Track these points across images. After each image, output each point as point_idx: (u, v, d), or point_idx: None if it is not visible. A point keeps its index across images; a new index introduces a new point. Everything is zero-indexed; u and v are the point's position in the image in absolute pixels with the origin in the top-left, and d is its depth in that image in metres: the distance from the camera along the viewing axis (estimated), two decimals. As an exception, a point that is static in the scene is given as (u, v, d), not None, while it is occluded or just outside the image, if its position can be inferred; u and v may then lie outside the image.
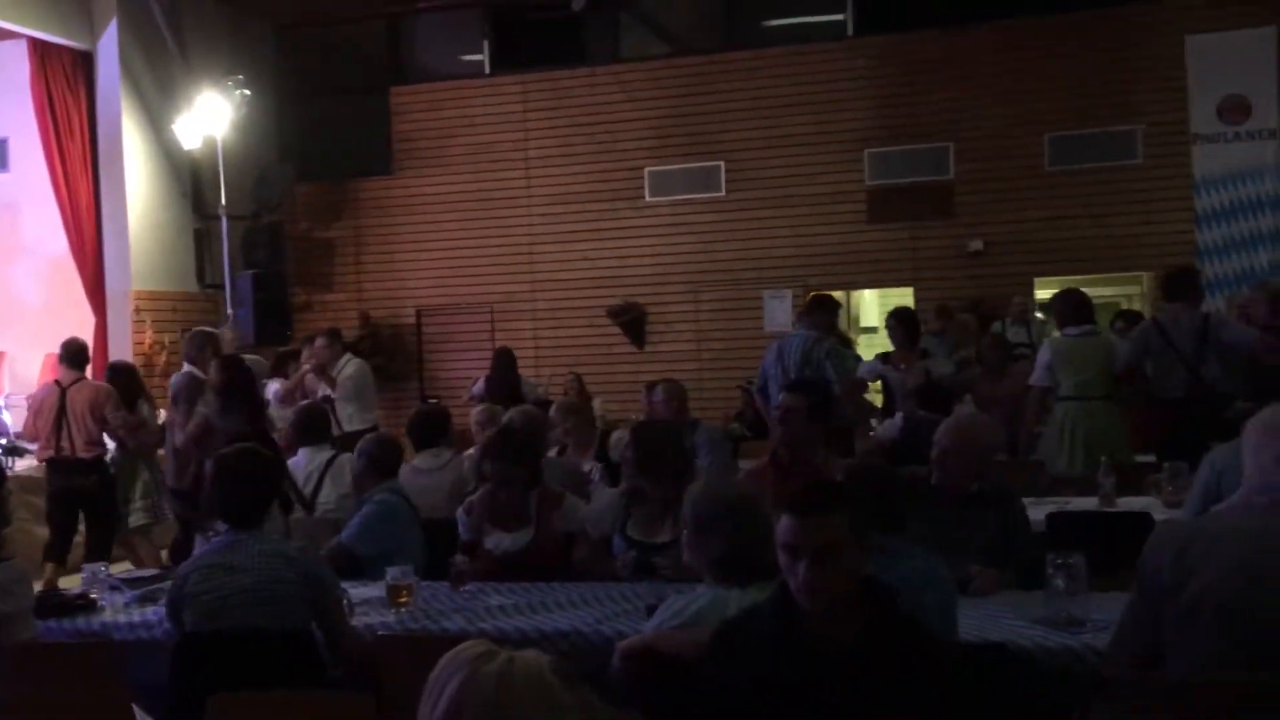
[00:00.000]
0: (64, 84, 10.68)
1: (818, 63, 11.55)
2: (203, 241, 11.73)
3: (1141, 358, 6.59)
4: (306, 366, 8.53)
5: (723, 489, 3.24)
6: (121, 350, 10.71)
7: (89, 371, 8.08)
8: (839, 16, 11.77)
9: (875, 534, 2.92)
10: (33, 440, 7.88)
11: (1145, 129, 10.79)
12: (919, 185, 11.30)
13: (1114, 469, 5.47)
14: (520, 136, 12.34)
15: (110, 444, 7.71)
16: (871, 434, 7.39)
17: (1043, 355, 6.87)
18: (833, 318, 7.34)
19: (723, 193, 11.80)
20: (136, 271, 10.95)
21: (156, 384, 9.57)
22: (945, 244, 11.25)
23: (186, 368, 7.56)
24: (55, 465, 7.53)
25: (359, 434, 7.41)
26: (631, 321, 11.92)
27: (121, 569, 5.84)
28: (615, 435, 6.06)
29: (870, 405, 8.00)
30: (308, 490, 5.64)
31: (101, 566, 4.43)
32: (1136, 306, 11.31)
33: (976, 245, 11.12)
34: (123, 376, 7.74)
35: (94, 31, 10.92)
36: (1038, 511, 5.08)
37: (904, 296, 11.58)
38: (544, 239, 12.29)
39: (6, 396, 10.07)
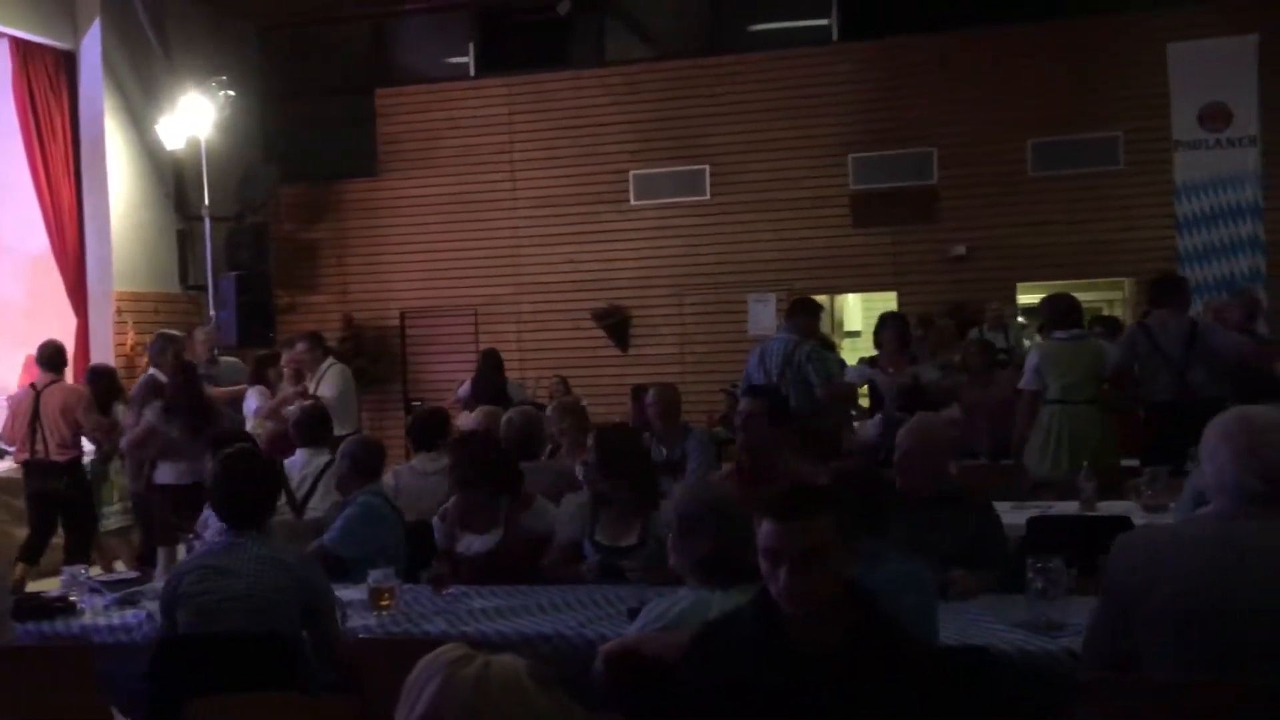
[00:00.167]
0: (46, 84, 10.61)
1: (802, 67, 11.58)
2: (185, 242, 11.67)
3: (1130, 362, 6.63)
4: (290, 391, 8.36)
5: (707, 491, 3.25)
6: (103, 351, 10.65)
7: (70, 373, 8.05)
8: (824, 21, 11.81)
9: (858, 537, 2.93)
10: (10, 443, 7.86)
11: (1127, 135, 10.86)
12: (902, 190, 11.34)
13: (1095, 473, 5.50)
14: (505, 139, 12.33)
15: (90, 447, 7.69)
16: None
17: (1031, 359, 6.90)
18: (814, 320, 7.36)
19: (707, 196, 11.82)
20: (118, 272, 10.90)
21: (138, 386, 9.52)
22: (928, 248, 11.30)
23: (150, 370, 7.57)
24: (30, 468, 7.52)
25: (340, 439, 7.38)
26: (616, 325, 11.93)
27: (93, 572, 5.82)
28: None
29: (852, 405, 8.00)
30: (300, 493, 5.61)
31: (81, 569, 4.41)
32: (1118, 312, 11.38)
33: (959, 250, 11.17)
34: (101, 379, 7.75)
35: (77, 31, 10.86)
36: (1018, 515, 5.10)
37: (887, 301, 11.61)
38: (529, 242, 12.28)
39: (-13, 398, 10.01)
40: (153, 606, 4.12)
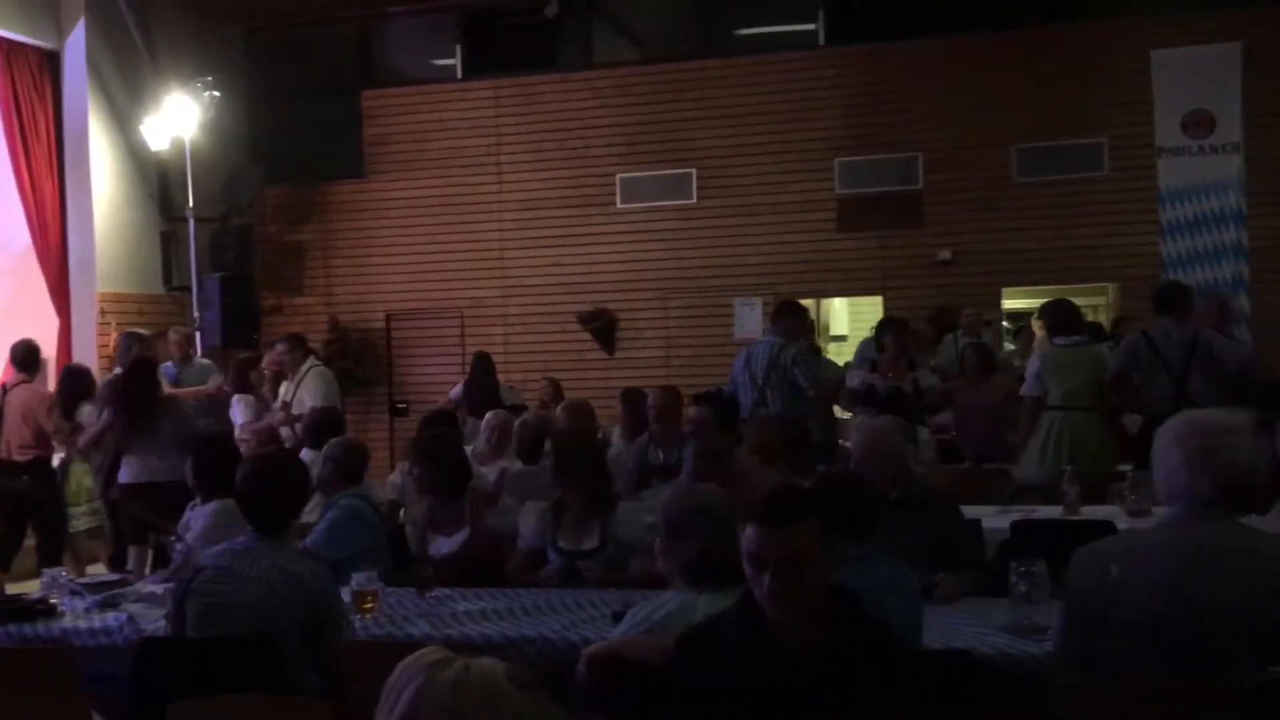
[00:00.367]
0: (30, 83, 10.56)
1: (789, 72, 11.60)
2: (169, 243, 11.62)
3: (1129, 369, 6.60)
4: (278, 416, 8.29)
5: (694, 495, 3.24)
6: (86, 352, 10.59)
7: (52, 373, 8.02)
8: (810, 26, 11.83)
9: (843, 542, 2.94)
10: None
11: (1111, 142, 10.91)
12: (888, 194, 11.37)
13: (1078, 478, 5.53)
14: (492, 141, 12.32)
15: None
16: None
17: (1032, 364, 6.92)
18: (799, 323, 7.37)
19: (694, 200, 11.82)
20: (102, 273, 10.84)
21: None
22: (914, 253, 11.33)
23: (116, 370, 7.57)
24: None
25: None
26: (602, 328, 11.92)
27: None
28: None
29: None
30: None
31: (60, 571, 4.38)
32: (1101, 318, 11.43)
33: (945, 255, 11.20)
34: (71, 379, 7.69)
35: (61, 31, 10.81)
36: (1002, 520, 5.13)
37: (873, 305, 11.64)
38: (515, 244, 12.27)
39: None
40: (134, 609, 4.10)
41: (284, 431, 8.14)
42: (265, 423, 8.33)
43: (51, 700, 3.39)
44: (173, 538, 4.65)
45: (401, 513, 5.00)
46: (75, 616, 4.07)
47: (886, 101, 11.36)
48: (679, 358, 11.74)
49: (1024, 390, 6.93)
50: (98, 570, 7.11)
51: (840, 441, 7.19)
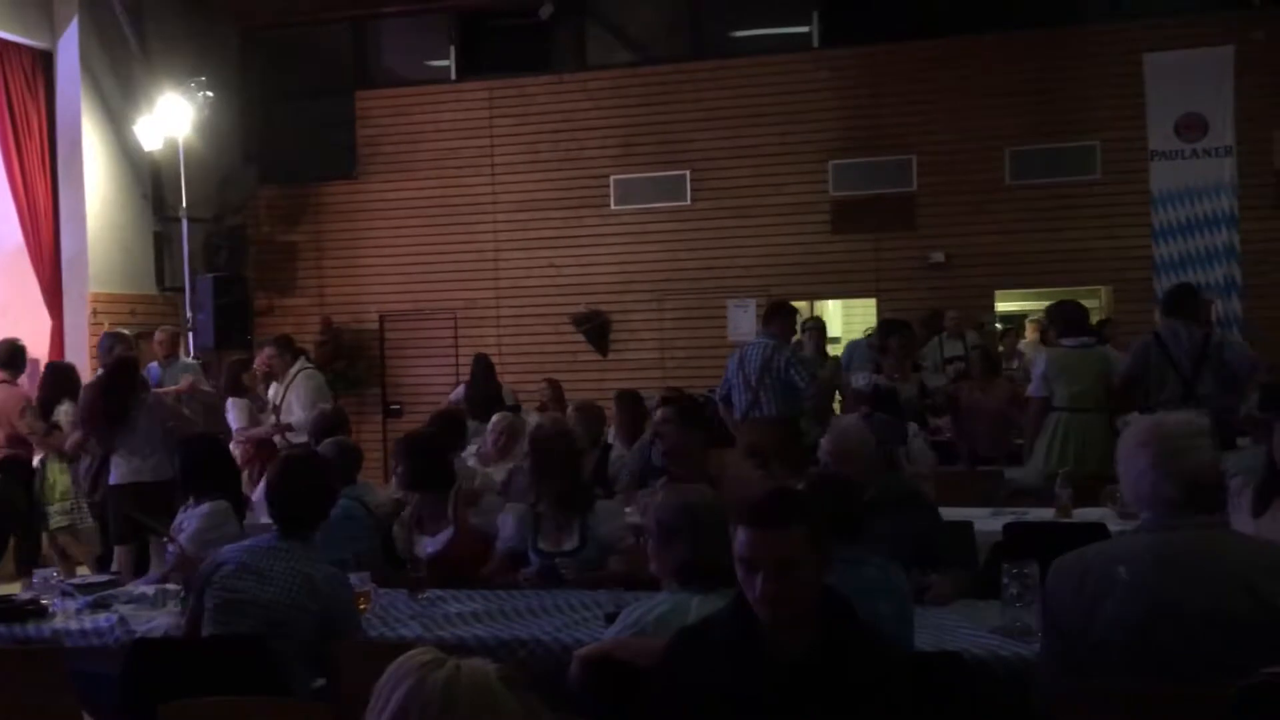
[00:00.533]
0: (23, 83, 10.53)
1: (783, 74, 11.61)
2: (162, 244, 11.60)
3: (1139, 371, 6.52)
4: (267, 428, 8.29)
5: (686, 496, 3.25)
6: (78, 352, 10.57)
7: (37, 371, 7.99)
8: (805, 28, 11.85)
9: (833, 543, 2.94)
10: None
11: (1104, 145, 10.93)
12: (882, 197, 11.38)
13: (1077, 480, 5.54)
14: (486, 143, 12.31)
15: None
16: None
17: (1039, 366, 6.88)
18: (791, 324, 7.39)
19: (688, 201, 11.83)
20: (94, 273, 10.82)
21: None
22: (908, 255, 11.34)
23: (99, 371, 7.55)
24: None
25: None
26: (595, 329, 11.92)
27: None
28: None
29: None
30: None
31: (52, 572, 4.37)
32: (1093, 320, 11.44)
33: (938, 257, 11.22)
34: (54, 376, 7.64)
35: (54, 31, 10.78)
36: (995, 522, 5.14)
37: (867, 307, 11.66)
38: (509, 246, 12.26)
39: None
40: (125, 610, 4.09)
41: (276, 437, 8.13)
42: (258, 433, 8.32)
43: (42, 701, 3.38)
44: (165, 539, 4.63)
45: (395, 523, 4.99)
46: (66, 617, 4.06)
47: (881, 104, 11.38)
48: (673, 359, 11.75)
49: (1030, 392, 6.92)
50: (82, 571, 7.08)
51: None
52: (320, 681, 3.52)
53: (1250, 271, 10.27)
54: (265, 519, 5.44)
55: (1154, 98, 10.33)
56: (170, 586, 4.23)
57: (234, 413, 8.45)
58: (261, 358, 8.56)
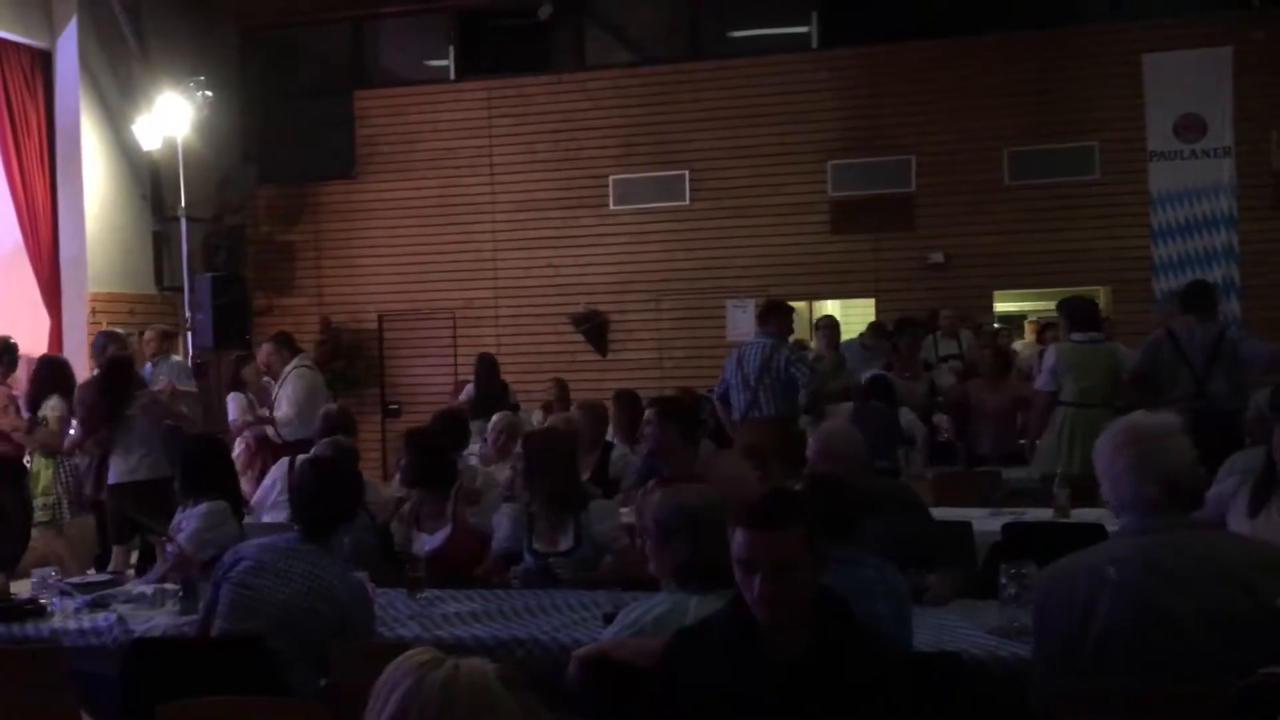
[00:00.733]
0: (22, 82, 10.53)
1: (782, 74, 11.61)
2: (161, 243, 11.59)
3: (1149, 367, 6.48)
4: (249, 419, 8.29)
5: (684, 497, 3.24)
6: (77, 352, 10.56)
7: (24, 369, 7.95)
8: (804, 29, 11.85)
9: (830, 544, 2.94)
10: None
11: (1102, 145, 10.94)
12: (881, 197, 11.39)
13: (1068, 480, 5.53)
14: (485, 142, 12.31)
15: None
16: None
17: (1048, 360, 6.86)
18: (789, 321, 7.39)
19: (687, 202, 11.83)
20: (93, 273, 10.82)
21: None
22: (907, 255, 11.35)
23: (95, 370, 7.53)
24: None
25: (301, 444, 7.34)
26: (594, 329, 11.92)
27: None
28: None
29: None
30: None
31: (50, 571, 4.36)
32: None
33: (937, 257, 11.22)
34: (44, 369, 7.57)
35: (53, 30, 10.78)
36: (994, 522, 5.14)
37: (866, 307, 11.66)
38: (508, 245, 12.26)
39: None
40: (124, 609, 4.09)
41: (269, 430, 8.14)
42: (244, 422, 8.32)
43: (41, 701, 3.38)
44: (165, 539, 4.63)
45: (394, 519, 5.00)
46: (65, 616, 4.06)
47: (880, 104, 11.38)
48: (672, 359, 11.75)
49: (1038, 386, 6.91)
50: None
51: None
52: (325, 681, 3.52)
53: (1249, 272, 10.27)
54: (266, 519, 5.46)
55: (1153, 98, 10.33)
56: (169, 586, 4.23)
57: (231, 406, 8.47)
58: (261, 354, 8.58)
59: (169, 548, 4.53)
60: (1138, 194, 10.56)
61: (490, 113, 12.30)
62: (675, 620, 2.90)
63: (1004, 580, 3.45)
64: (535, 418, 9.02)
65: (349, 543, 4.44)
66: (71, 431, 7.52)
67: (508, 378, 10.78)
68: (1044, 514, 5.43)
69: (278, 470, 5.91)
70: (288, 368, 8.28)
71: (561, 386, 9.84)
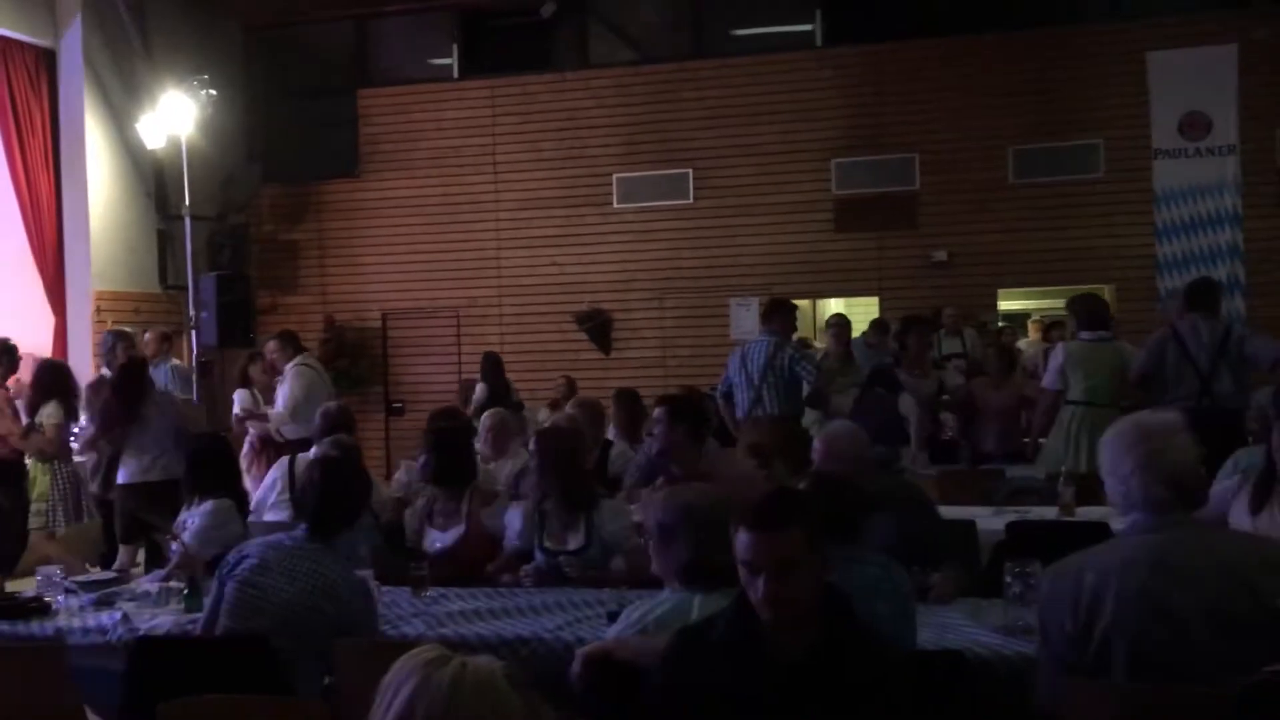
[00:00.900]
0: (26, 81, 10.54)
1: (786, 72, 11.61)
2: (165, 242, 11.61)
3: (1153, 366, 6.43)
4: (239, 414, 8.30)
5: (684, 496, 3.24)
6: (82, 350, 10.59)
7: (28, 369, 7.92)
8: (808, 27, 11.84)
9: (833, 542, 2.93)
10: None
11: (1107, 143, 10.93)
12: (885, 195, 11.38)
13: (1073, 479, 5.53)
14: (488, 141, 12.32)
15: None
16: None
17: (1055, 358, 6.84)
18: (792, 320, 7.40)
19: (690, 200, 11.83)
20: (98, 271, 10.83)
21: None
22: (910, 254, 11.34)
23: (103, 370, 7.51)
24: None
25: (304, 443, 7.34)
26: (598, 328, 11.92)
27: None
28: None
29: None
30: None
31: (55, 570, 4.37)
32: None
33: (941, 255, 11.21)
34: (44, 375, 7.49)
35: (57, 29, 10.79)
36: (998, 521, 5.13)
37: (869, 306, 11.65)
38: (511, 244, 12.26)
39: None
40: (128, 607, 4.10)
41: (270, 427, 8.18)
42: (238, 420, 8.34)
43: (45, 699, 3.38)
44: (170, 536, 4.64)
45: (407, 512, 4.99)
46: (70, 615, 4.06)
47: (883, 102, 11.38)
48: (675, 358, 11.75)
49: (1044, 384, 6.90)
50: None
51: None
52: (329, 679, 3.52)
53: (1253, 270, 10.26)
54: (269, 518, 5.46)
55: (1157, 96, 10.32)
56: (174, 584, 4.23)
57: (236, 403, 8.51)
58: (266, 352, 8.63)
59: (174, 546, 4.54)
60: (1142, 192, 10.54)
61: (494, 111, 12.30)
62: (678, 619, 2.90)
63: (1008, 579, 3.44)
64: (541, 415, 9.04)
65: (367, 551, 4.45)
66: (73, 440, 7.49)
67: (511, 376, 10.81)
68: (1049, 512, 5.42)
69: (277, 470, 5.90)
70: (288, 365, 8.30)
71: (570, 384, 9.86)
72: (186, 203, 10.98)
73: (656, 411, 5.05)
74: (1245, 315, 10.04)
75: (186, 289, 11.22)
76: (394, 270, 12.52)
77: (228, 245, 11.72)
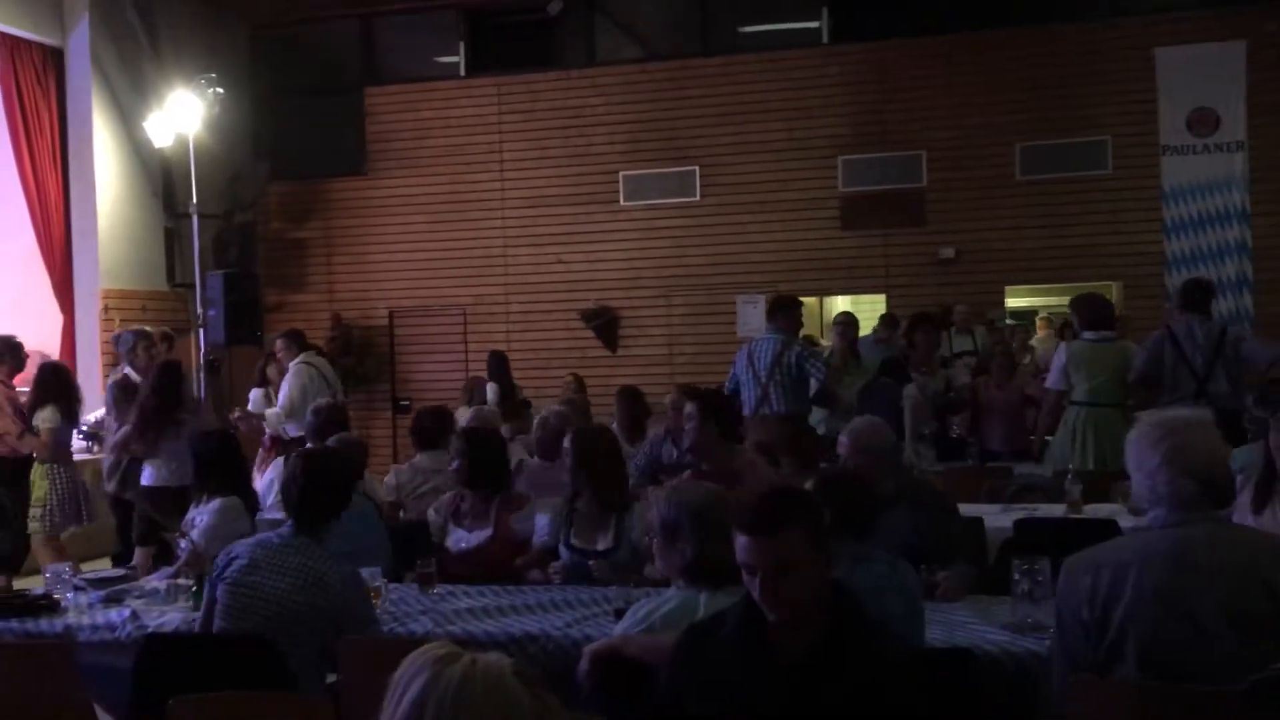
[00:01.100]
0: (34, 80, 10.57)
1: (793, 70, 11.59)
2: (173, 240, 11.63)
3: (1152, 368, 6.44)
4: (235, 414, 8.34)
5: (686, 495, 3.24)
6: (89, 348, 10.62)
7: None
8: (814, 24, 11.83)
9: (843, 540, 2.93)
10: None
11: (1114, 140, 10.89)
12: (892, 192, 11.36)
13: (1082, 476, 5.52)
14: (495, 139, 12.32)
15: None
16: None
17: (1058, 358, 6.83)
18: (798, 316, 7.39)
19: (697, 197, 11.82)
20: (105, 270, 10.86)
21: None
22: (917, 251, 11.32)
23: (124, 369, 7.47)
24: None
25: (297, 441, 7.35)
26: (604, 325, 11.92)
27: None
28: None
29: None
30: None
31: (65, 567, 4.38)
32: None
33: (948, 253, 11.19)
34: (44, 377, 7.44)
35: (65, 28, 10.82)
36: (1005, 518, 5.13)
37: (876, 303, 11.64)
38: (518, 241, 12.27)
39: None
40: (137, 605, 4.11)
41: (269, 426, 8.22)
42: (241, 415, 8.37)
43: (55, 696, 3.39)
44: (178, 534, 4.65)
45: (430, 509, 4.96)
46: (79, 612, 4.07)
47: (890, 99, 11.36)
48: (682, 355, 11.75)
49: (1048, 384, 6.88)
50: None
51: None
52: (334, 677, 3.53)
53: (1262, 267, 10.24)
54: (269, 517, 5.46)
55: (1165, 92, 10.30)
56: (182, 582, 4.24)
57: (251, 401, 8.57)
58: (275, 351, 8.67)
59: (182, 544, 4.55)
60: (1150, 189, 10.52)
61: (500, 109, 12.31)
62: (684, 617, 2.90)
63: (1016, 576, 3.43)
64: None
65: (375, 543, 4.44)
66: (79, 440, 7.44)
67: (518, 373, 10.82)
68: (1056, 510, 5.41)
69: (274, 470, 5.91)
70: (291, 365, 8.33)
71: (578, 382, 9.86)
72: (194, 201, 10.98)
73: (688, 408, 5.03)
74: (1253, 312, 10.03)
75: (194, 287, 11.23)
76: (401, 268, 12.54)
77: (235, 243, 11.74)
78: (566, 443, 4.62)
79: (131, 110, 11.12)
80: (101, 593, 4.25)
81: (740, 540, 2.47)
